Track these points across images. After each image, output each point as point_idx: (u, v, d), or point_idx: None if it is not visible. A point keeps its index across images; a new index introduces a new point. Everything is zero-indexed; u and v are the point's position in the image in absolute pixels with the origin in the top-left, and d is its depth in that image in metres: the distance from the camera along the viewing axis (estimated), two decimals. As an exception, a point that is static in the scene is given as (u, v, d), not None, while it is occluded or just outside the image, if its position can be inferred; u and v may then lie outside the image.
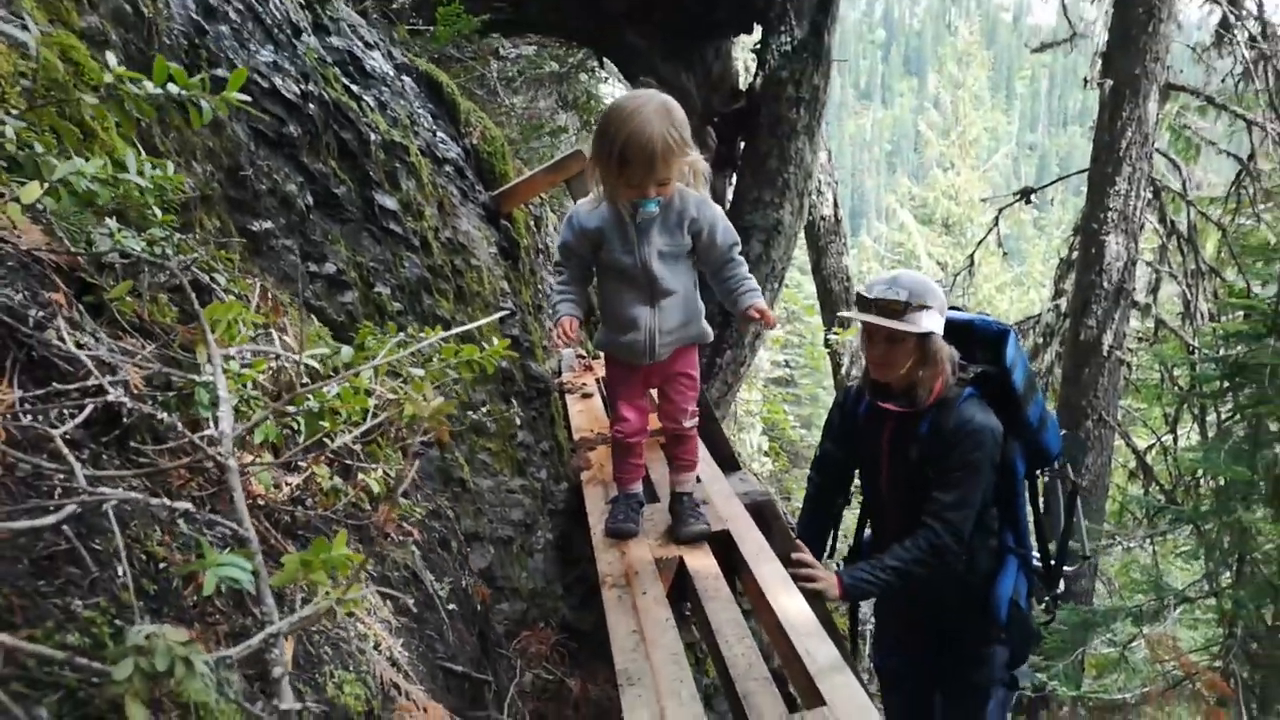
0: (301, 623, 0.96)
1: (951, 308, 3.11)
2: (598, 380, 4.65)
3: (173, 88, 0.99)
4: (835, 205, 10.33)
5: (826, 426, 3.32)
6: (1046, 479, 3.24)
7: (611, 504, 2.81)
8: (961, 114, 25.43)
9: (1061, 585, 3.20)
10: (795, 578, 2.56)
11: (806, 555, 2.79)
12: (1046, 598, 3.20)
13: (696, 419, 2.76)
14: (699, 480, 3.27)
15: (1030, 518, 3.17)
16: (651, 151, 2.15)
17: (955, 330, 2.91)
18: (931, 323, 2.75)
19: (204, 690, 0.78)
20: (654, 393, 2.85)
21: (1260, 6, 8.76)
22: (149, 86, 0.98)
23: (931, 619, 3.08)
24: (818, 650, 2.13)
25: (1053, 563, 3.14)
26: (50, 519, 0.77)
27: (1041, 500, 3.22)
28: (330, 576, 0.98)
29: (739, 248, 2.54)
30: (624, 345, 2.53)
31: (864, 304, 2.81)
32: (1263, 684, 6.44)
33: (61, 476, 0.89)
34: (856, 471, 3.27)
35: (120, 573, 0.91)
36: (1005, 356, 2.88)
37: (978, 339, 2.95)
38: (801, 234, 10.60)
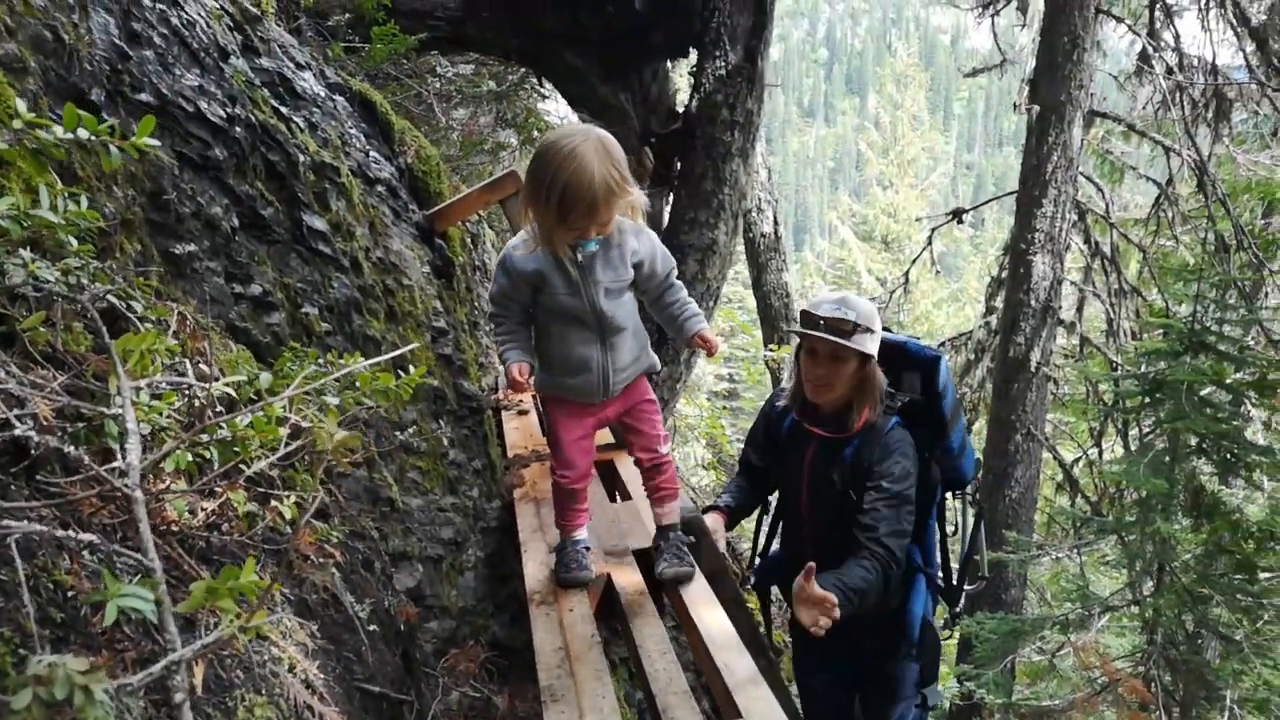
0: (205, 649, 0.98)
1: (884, 328, 3.21)
2: (534, 396, 4.69)
3: (83, 133, 1.01)
4: (775, 223, 10.50)
5: (751, 434, 3.36)
6: (957, 501, 3.32)
7: (558, 552, 2.71)
8: (900, 134, 26.09)
9: (961, 604, 3.26)
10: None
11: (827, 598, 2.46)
12: (946, 615, 3.25)
13: (670, 443, 2.70)
14: (630, 498, 3.33)
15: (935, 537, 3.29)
16: (593, 196, 2.07)
17: (888, 351, 2.96)
18: (873, 348, 2.81)
19: (105, 718, 0.81)
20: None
21: (1177, 39, 9.17)
22: (59, 131, 1.00)
23: (848, 638, 3.14)
24: (736, 664, 2.20)
25: (954, 582, 3.22)
26: (-49, 553, 0.80)
27: (959, 520, 3.33)
28: (239, 602, 1.01)
29: (675, 272, 2.51)
30: (574, 387, 2.46)
31: (812, 322, 2.79)
32: (1185, 688, 6.70)
33: (-34, 509, 0.91)
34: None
35: (25, 602, 0.93)
36: (937, 382, 2.92)
37: (910, 362, 3.00)
38: (742, 250, 10.79)
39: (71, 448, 0.98)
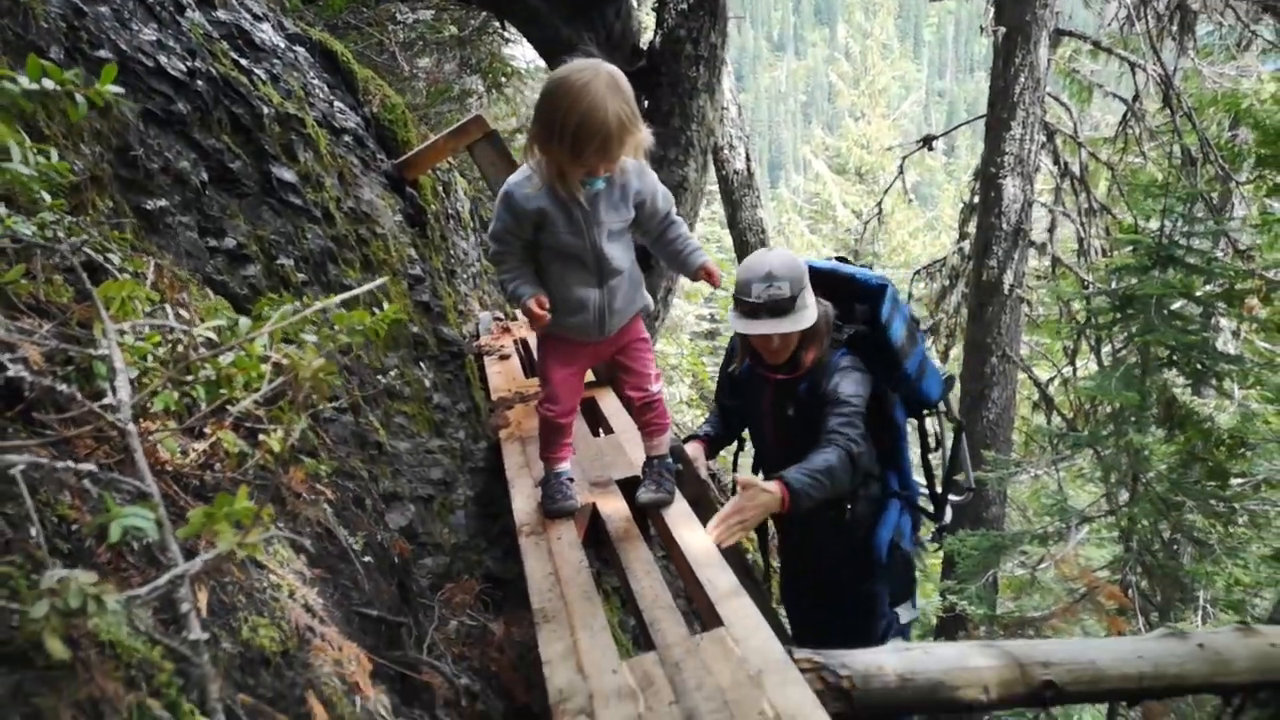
0: (209, 567, 1.05)
1: (841, 258, 3.29)
2: (515, 342, 4.74)
3: (48, 83, 1.04)
4: (748, 159, 10.46)
5: (719, 387, 3.51)
6: (933, 420, 3.44)
7: (542, 485, 2.76)
8: (870, 63, 25.85)
9: (949, 516, 3.42)
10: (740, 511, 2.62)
11: (744, 485, 2.69)
12: (934, 530, 3.40)
13: (661, 382, 2.73)
14: (612, 432, 3.41)
15: (916, 459, 3.41)
16: (607, 132, 2.03)
17: (838, 283, 3.08)
18: (812, 301, 2.89)
19: (116, 626, 0.88)
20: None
21: (1141, -49, 9.09)
22: (24, 82, 1.03)
23: (818, 567, 3.30)
24: (717, 578, 2.30)
25: (939, 493, 3.38)
26: (-38, 483, 0.85)
27: (932, 439, 3.45)
28: (235, 528, 1.08)
29: (675, 210, 2.50)
30: (571, 326, 2.47)
31: (751, 309, 2.86)
32: (1161, 592, 6.95)
33: (-31, 448, 0.96)
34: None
35: (33, 533, 0.99)
36: (882, 311, 3.01)
37: (858, 292, 3.09)
38: (717, 188, 10.76)
39: (64, 386, 1.03)
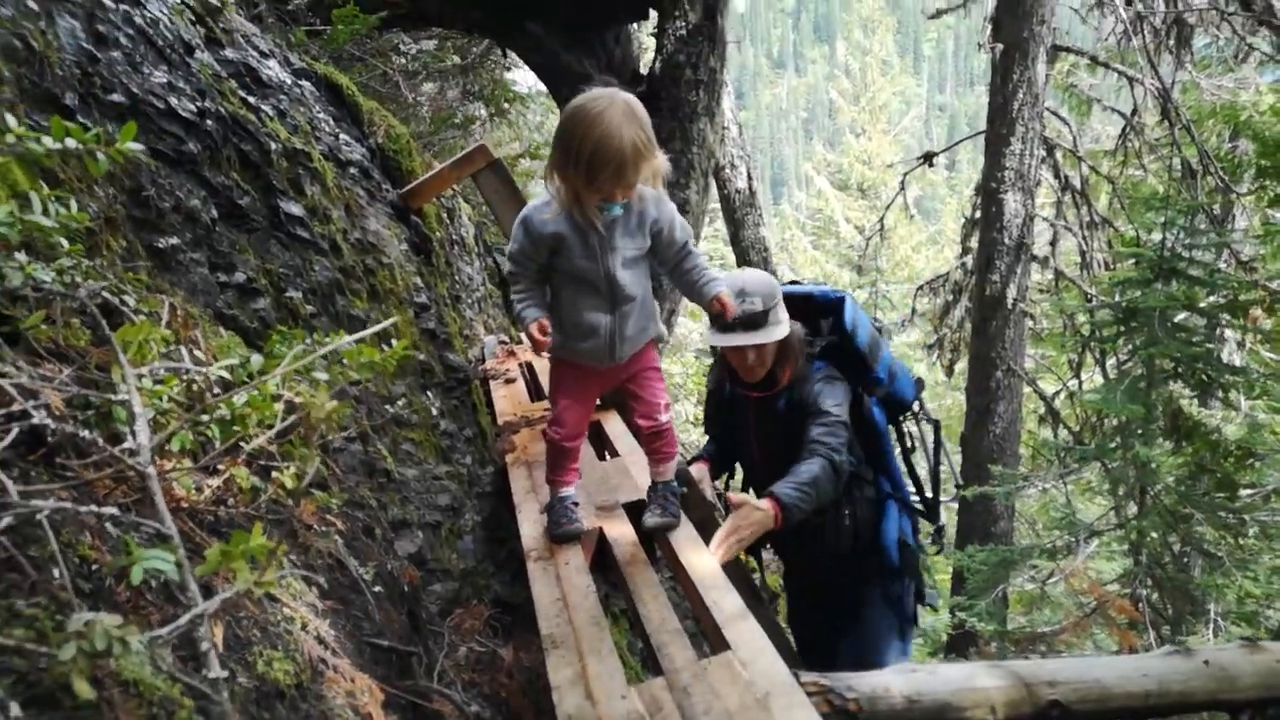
0: (225, 603, 1.08)
1: (795, 281, 3.42)
2: (520, 365, 4.78)
3: (70, 142, 1.08)
4: (749, 178, 10.54)
5: (706, 420, 3.57)
6: (911, 424, 3.52)
7: (548, 510, 2.77)
8: (870, 79, 25.95)
9: (943, 517, 3.47)
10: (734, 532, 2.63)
11: (737, 503, 2.71)
12: (933, 531, 3.45)
13: (670, 411, 2.73)
14: (618, 455, 3.43)
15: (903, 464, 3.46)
16: (621, 158, 2.06)
17: (801, 303, 3.17)
18: (784, 317, 2.99)
19: (140, 666, 0.91)
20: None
21: (1136, -33, 9.16)
22: (48, 142, 1.07)
23: (829, 579, 3.31)
24: (723, 601, 2.32)
25: (929, 497, 3.43)
26: (-9, 530, 0.89)
27: (912, 443, 3.51)
28: (251, 564, 1.11)
29: (693, 240, 2.51)
30: (582, 351, 2.47)
31: (725, 324, 2.92)
32: (1172, 606, 6.91)
33: (-5, 493, 1.00)
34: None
35: (57, 575, 1.03)
36: (845, 322, 3.11)
37: (818, 308, 3.19)
38: (719, 207, 10.83)
39: (85, 431, 1.07)
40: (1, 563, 0.98)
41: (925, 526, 3.52)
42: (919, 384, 3.43)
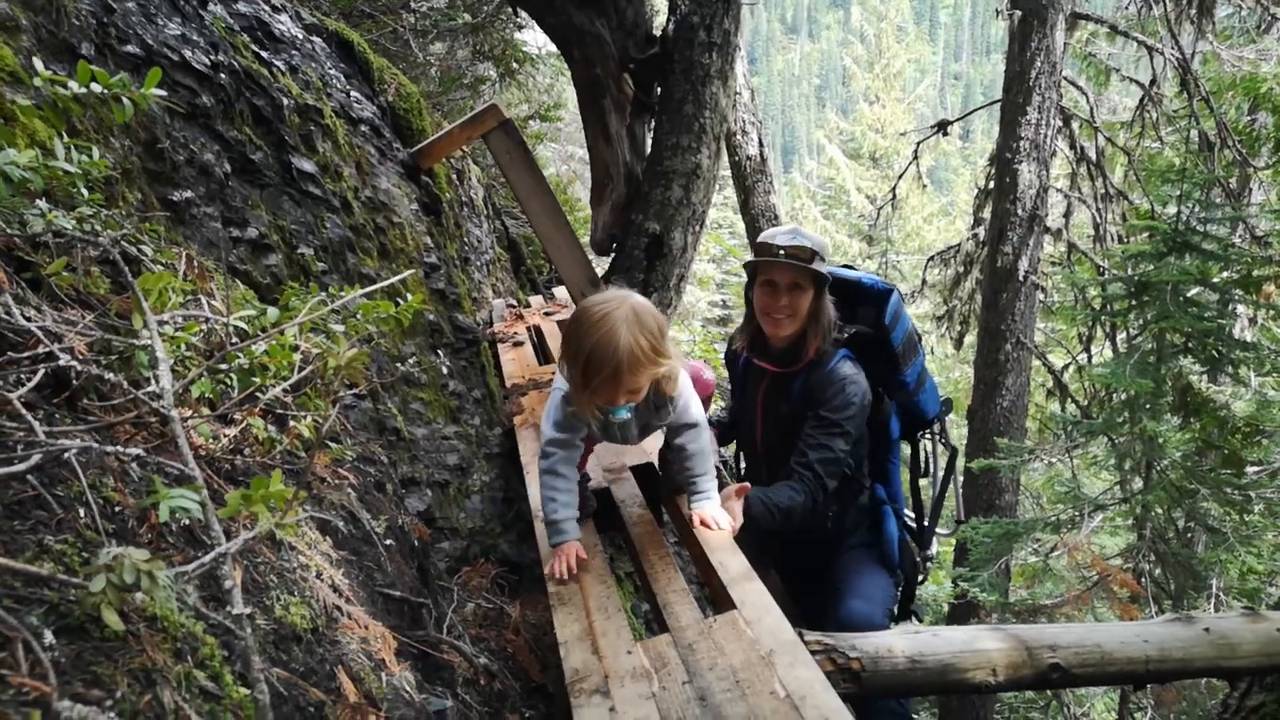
0: (247, 544, 1.10)
1: (846, 265, 3.28)
2: (529, 329, 4.79)
3: (95, 87, 1.09)
4: (760, 144, 10.44)
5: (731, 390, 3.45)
6: (926, 442, 3.36)
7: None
8: (885, 46, 25.62)
9: (934, 548, 3.32)
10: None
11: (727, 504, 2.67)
12: (919, 558, 3.26)
13: None
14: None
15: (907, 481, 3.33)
16: (617, 362, 2.02)
17: (842, 286, 3.03)
18: (826, 272, 2.85)
19: (167, 600, 0.94)
20: None
21: (1158, -66, 8.99)
22: (74, 86, 1.08)
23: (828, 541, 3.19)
24: (730, 562, 2.35)
25: (925, 523, 3.29)
26: (20, 467, 0.91)
27: (924, 462, 3.36)
28: (269, 509, 1.13)
29: (696, 428, 2.51)
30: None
31: (770, 253, 2.82)
32: (1174, 580, 6.95)
33: (22, 433, 1.02)
34: None
35: (83, 514, 1.05)
36: (885, 314, 2.97)
37: (863, 297, 3.04)
38: (729, 174, 10.75)
39: (110, 374, 1.08)
40: (30, 500, 1.00)
41: None
42: (946, 404, 3.30)
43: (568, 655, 2.05)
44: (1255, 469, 6.69)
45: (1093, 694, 9.82)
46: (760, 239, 2.92)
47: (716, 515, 2.50)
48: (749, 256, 3.06)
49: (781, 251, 2.79)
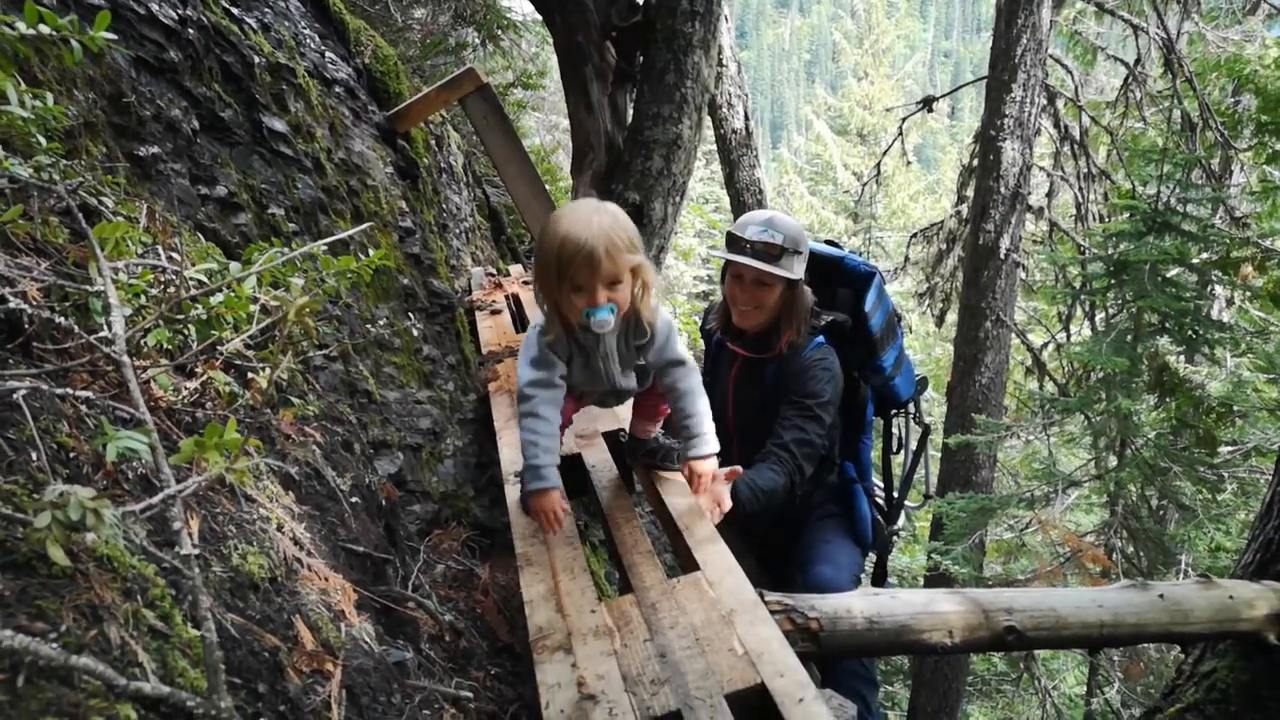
0: (199, 498, 1.12)
1: (829, 242, 3.23)
2: (507, 297, 4.79)
3: (44, 28, 1.08)
4: (746, 118, 10.39)
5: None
6: (898, 418, 3.36)
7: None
8: (875, 22, 25.46)
9: (901, 520, 3.32)
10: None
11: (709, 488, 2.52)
12: (887, 532, 3.26)
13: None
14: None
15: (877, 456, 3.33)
16: (592, 246, 1.91)
17: (824, 265, 2.97)
18: (800, 270, 2.81)
19: (114, 538, 0.95)
20: None
21: (1142, -89, 8.97)
22: (22, 27, 1.07)
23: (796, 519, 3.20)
24: (695, 526, 2.38)
25: (895, 496, 3.29)
26: (-34, 406, 0.91)
27: (896, 440, 3.36)
28: (224, 457, 1.14)
29: (684, 366, 2.36)
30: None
31: (737, 245, 2.78)
32: (1146, 556, 7.08)
33: (-28, 376, 1.02)
34: None
35: (34, 457, 1.06)
36: (865, 300, 2.92)
37: (844, 278, 3.00)
38: (714, 149, 10.71)
39: (63, 319, 1.09)
40: (-21, 442, 1.01)
41: None
42: (921, 384, 3.28)
43: (532, 614, 2.08)
44: (1228, 449, 6.79)
45: (1064, 667, 10.02)
46: (733, 227, 2.87)
47: (704, 500, 2.42)
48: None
49: (748, 246, 2.75)
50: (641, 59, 5.15)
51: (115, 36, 1.19)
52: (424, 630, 2.02)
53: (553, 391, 2.24)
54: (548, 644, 1.96)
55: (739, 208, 10.75)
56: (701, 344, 3.56)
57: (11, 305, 1.06)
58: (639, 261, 2.04)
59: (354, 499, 1.96)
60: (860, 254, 3.20)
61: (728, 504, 2.50)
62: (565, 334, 2.16)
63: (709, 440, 2.39)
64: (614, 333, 2.17)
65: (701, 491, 2.42)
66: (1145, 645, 7.61)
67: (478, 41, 6.54)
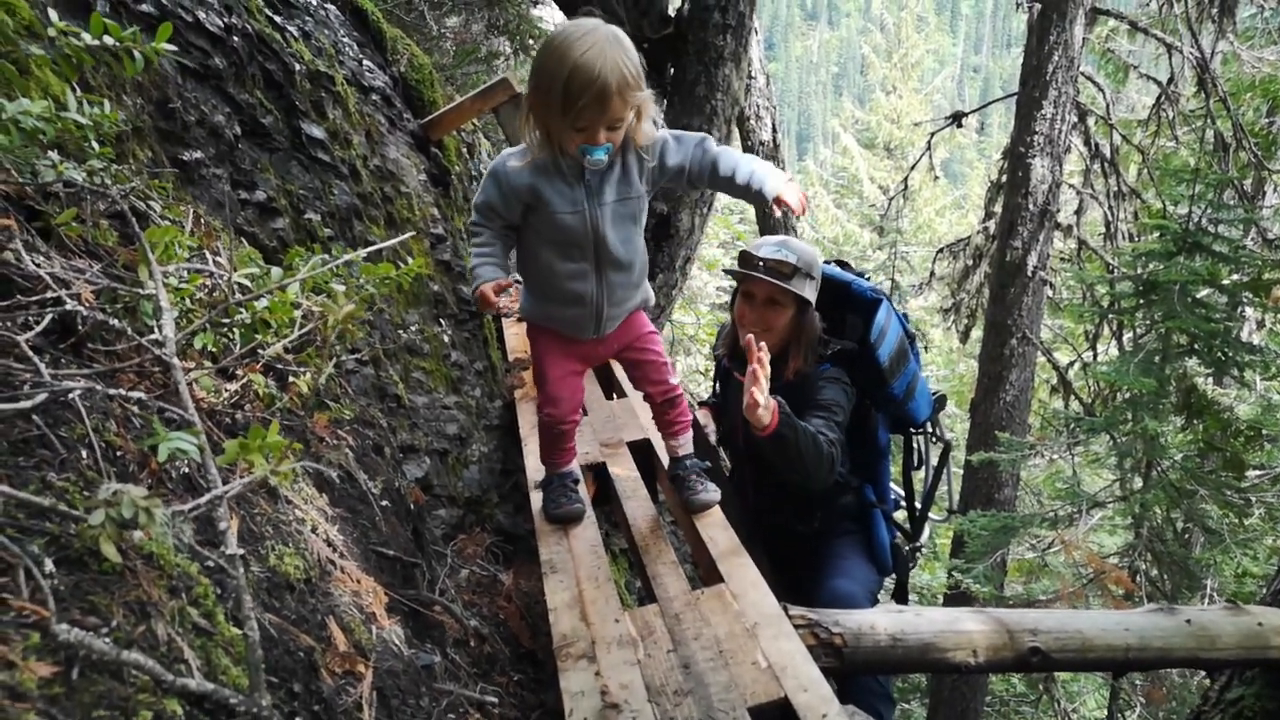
0: (239, 498, 1.14)
1: (842, 264, 3.17)
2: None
3: (108, 39, 1.11)
4: (774, 130, 10.40)
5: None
6: (918, 436, 3.31)
7: (544, 486, 2.58)
8: (904, 36, 25.40)
9: (925, 535, 3.29)
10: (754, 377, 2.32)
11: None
12: (909, 549, 3.24)
13: (675, 372, 2.53)
14: (625, 395, 3.49)
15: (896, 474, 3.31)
16: (604, 83, 1.78)
17: (832, 289, 2.93)
18: (812, 295, 2.77)
19: (163, 537, 0.97)
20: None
21: (1181, -70, 8.91)
22: (87, 38, 1.10)
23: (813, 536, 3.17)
24: (720, 537, 2.39)
25: (918, 513, 3.27)
26: (26, 404, 0.94)
27: (917, 457, 3.32)
28: (266, 459, 1.17)
29: (709, 140, 2.15)
30: (562, 319, 2.23)
31: (751, 264, 2.74)
32: (1170, 580, 6.98)
33: (29, 375, 1.05)
34: None
35: (85, 455, 1.09)
36: (872, 328, 2.84)
37: (852, 303, 2.94)
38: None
39: (115, 321, 1.12)
40: (34, 439, 1.04)
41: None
42: (938, 403, 3.21)
43: (556, 621, 2.10)
44: (1256, 473, 6.70)
45: (1084, 689, 9.90)
46: (747, 246, 2.85)
47: (791, 192, 2.11)
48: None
49: (761, 264, 2.70)
50: (672, 71, 5.19)
51: (174, 48, 1.23)
52: (450, 634, 2.04)
53: (504, 231, 2.12)
54: (572, 652, 1.98)
55: (764, 218, 10.74)
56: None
57: (68, 307, 1.09)
58: (645, 98, 1.92)
59: (384, 502, 1.98)
60: (869, 277, 3.13)
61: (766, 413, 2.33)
62: (546, 160, 2.00)
63: (772, 172, 2.13)
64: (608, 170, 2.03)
65: (794, 193, 2.14)
66: (1168, 670, 7.51)
67: (509, 51, 6.60)
